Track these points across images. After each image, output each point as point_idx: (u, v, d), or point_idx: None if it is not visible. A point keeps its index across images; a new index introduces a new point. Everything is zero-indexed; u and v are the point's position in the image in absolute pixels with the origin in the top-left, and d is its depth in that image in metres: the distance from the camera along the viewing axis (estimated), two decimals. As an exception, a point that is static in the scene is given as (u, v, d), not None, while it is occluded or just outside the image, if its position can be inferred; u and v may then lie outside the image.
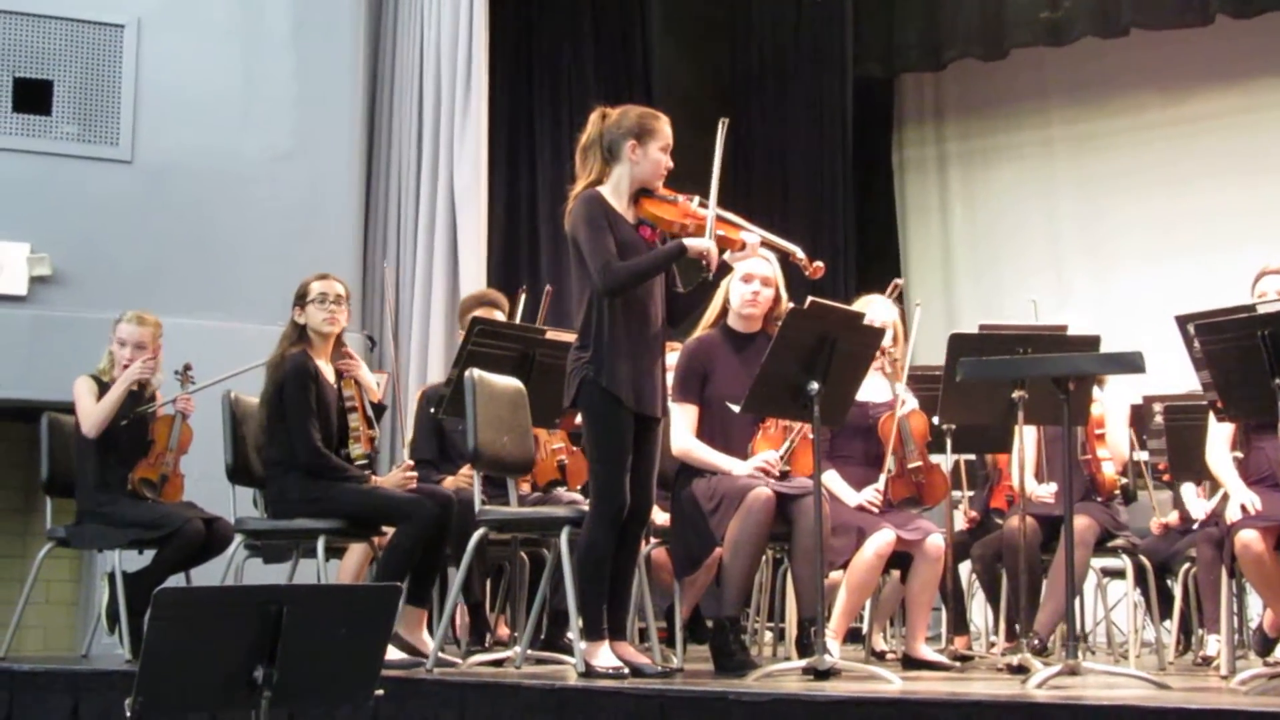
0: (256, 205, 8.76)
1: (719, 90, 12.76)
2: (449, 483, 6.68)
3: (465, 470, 6.63)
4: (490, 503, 5.84)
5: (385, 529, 6.23)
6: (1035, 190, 12.03)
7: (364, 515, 6.08)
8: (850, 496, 5.98)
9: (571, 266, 5.41)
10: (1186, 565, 7.10)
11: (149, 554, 6.57)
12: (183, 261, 8.52)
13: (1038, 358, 5.54)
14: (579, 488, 6.82)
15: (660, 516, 6.04)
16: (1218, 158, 10.98)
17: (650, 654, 5.70)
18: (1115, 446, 6.71)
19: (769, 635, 7.64)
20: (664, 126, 5.39)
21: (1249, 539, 5.40)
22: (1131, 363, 5.03)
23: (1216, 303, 5.25)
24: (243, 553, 6.33)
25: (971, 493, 7.86)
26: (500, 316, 6.92)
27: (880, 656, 6.68)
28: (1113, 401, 6.77)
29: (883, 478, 6.05)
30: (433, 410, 6.66)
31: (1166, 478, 7.50)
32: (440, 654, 5.74)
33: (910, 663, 5.94)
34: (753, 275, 5.84)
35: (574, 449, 6.91)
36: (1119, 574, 7.12)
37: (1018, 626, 6.30)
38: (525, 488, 6.63)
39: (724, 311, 5.95)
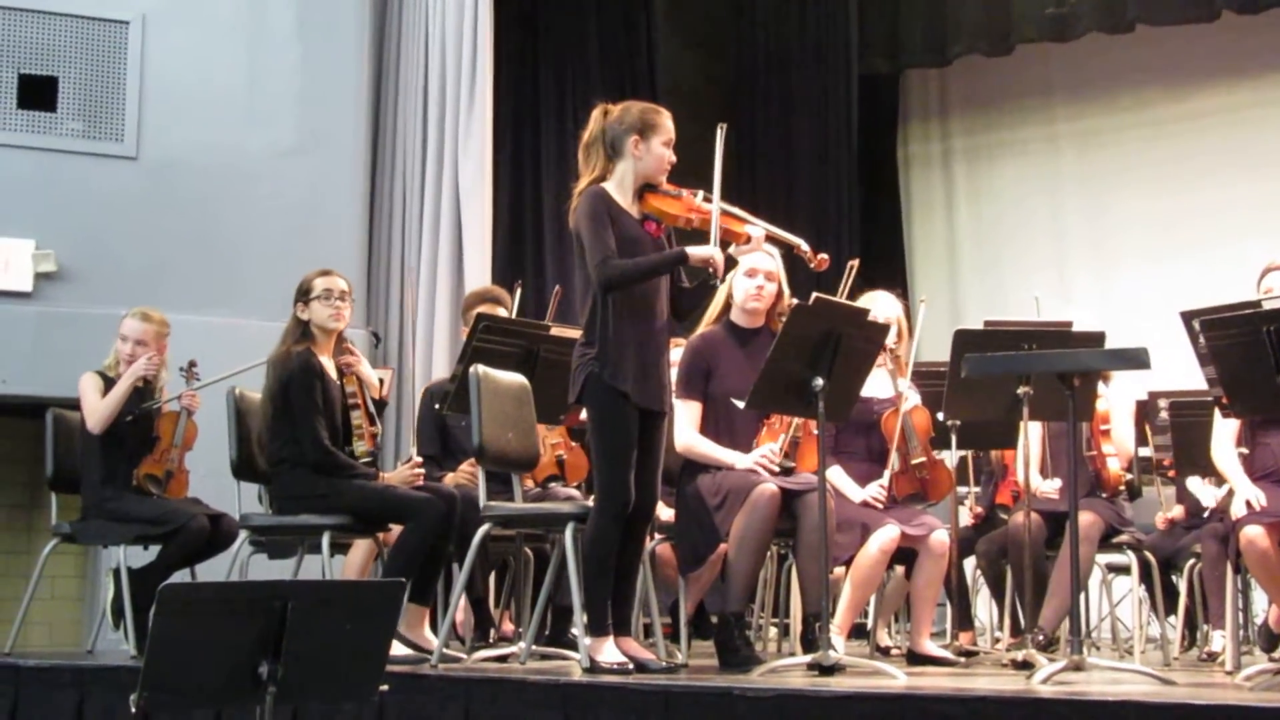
0: (261, 201, 8.76)
1: (723, 86, 12.76)
2: (449, 478, 6.68)
3: (466, 466, 6.63)
4: (493, 499, 5.84)
5: (391, 525, 6.23)
6: (1040, 186, 12.02)
7: (370, 512, 6.08)
8: (854, 492, 5.98)
9: (576, 263, 5.41)
10: (1191, 561, 7.10)
11: (154, 550, 6.58)
12: (187, 258, 8.52)
13: (1043, 354, 5.54)
14: (576, 483, 6.82)
15: (665, 512, 6.04)
16: (1223, 153, 10.97)
17: (655, 650, 5.70)
18: (1120, 442, 6.71)
19: (773, 631, 7.64)
20: (666, 121, 5.39)
21: (1254, 534, 5.39)
22: (1137, 359, 5.02)
23: (1222, 298, 5.25)
24: (247, 549, 6.33)
25: (977, 489, 7.86)
26: (504, 313, 6.92)
27: (885, 652, 6.68)
28: (1118, 398, 6.77)
29: (887, 474, 6.05)
30: (437, 406, 6.66)
31: (1172, 474, 7.50)
32: (444, 650, 5.74)
33: (915, 658, 5.94)
34: (756, 270, 5.84)
35: (573, 444, 6.91)
36: (1124, 570, 7.11)
37: (1023, 622, 6.30)
38: (525, 483, 6.63)
39: (727, 306, 5.95)
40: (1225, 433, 5.85)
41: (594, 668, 5.17)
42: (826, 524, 5.30)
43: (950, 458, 6.57)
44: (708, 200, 5.33)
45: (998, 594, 7.24)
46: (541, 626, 6.22)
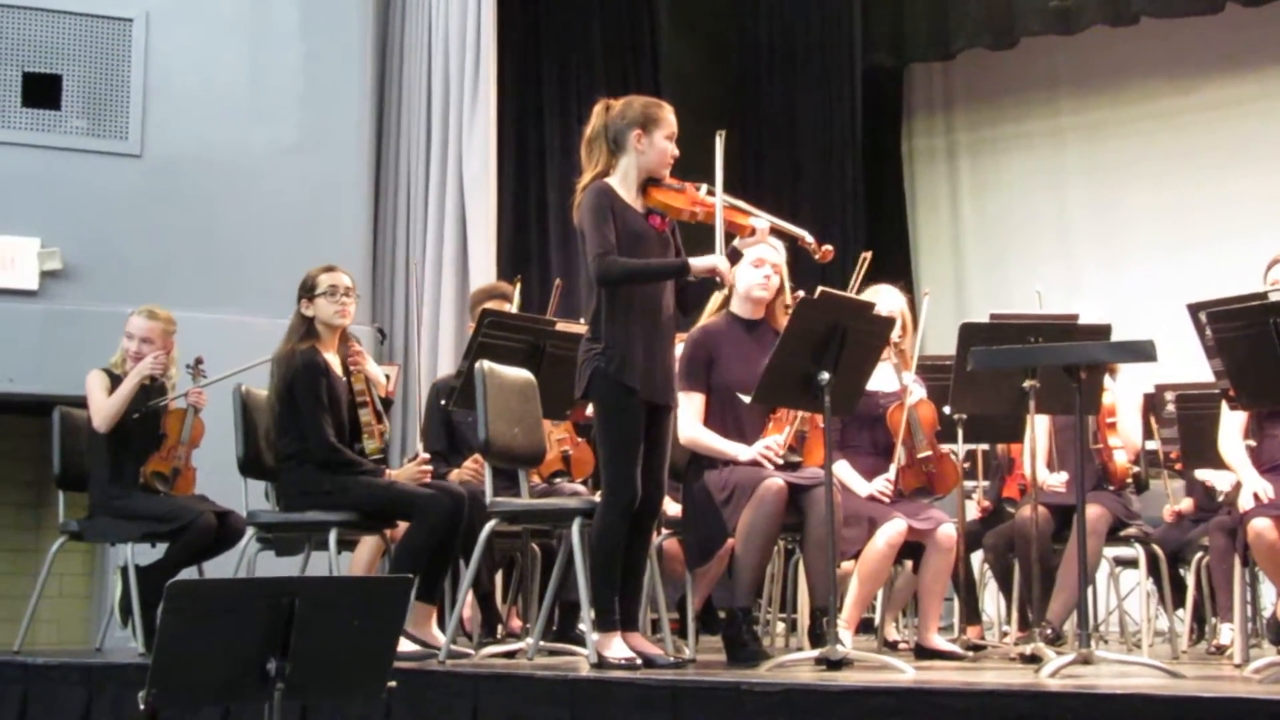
0: (266, 198, 8.77)
1: (727, 81, 12.76)
2: (454, 475, 6.68)
3: (470, 462, 6.63)
4: (500, 494, 5.84)
5: (398, 522, 6.23)
6: (1045, 180, 12.01)
7: (377, 509, 6.08)
8: (861, 487, 5.98)
9: (581, 259, 5.40)
10: (1199, 554, 7.09)
11: (161, 547, 6.58)
12: (193, 255, 8.53)
13: (1050, 346, 5.53)
14: (582, 479, 6.82)
15: (672, 507, 6.04)
16: (1229, 146, 10.96)
17: (662, 645, 5.70)
18: (1127, 435, 6.70)
19: (781, 626, 7.63)
20: (668, 115, 5.39)
21: (1262, 527, 5.38)
22: (1143, 351, 5.02)
23: (1228, 291, 5.23)
24: (255, 545, 6.33)
25: (984, 482, 7.85)
26: (510, 309, 6.92)
27: (892, 646, 6.67)
28: (1124, 391, 6.76)
29: (893, 468, 6.05)
30: (443, 402, 6.66)
31: (1179, 466, 7.49)
32: (452, 646, 5.74)
33: (923, 652, 5.94)
34: (763, 260, 5.84)
35: (578, 440, 6.91)
36: (1132, 563, 7.11)
37: (1030, 616, 6.29)
38: (534, 479, 6.63)
39: (728, 298, 5.94)
40: (1233, 425, 5.83)
41: (601, 663, 5.16)
42: (833, 518, 5.29)
43: (957, 451, 6.57)
44: (711, 194, 5.33)
45: (1005, 588, 7.23)
46: (549, 622, 6.22)
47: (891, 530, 5.73)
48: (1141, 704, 3.96)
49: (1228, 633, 6.53)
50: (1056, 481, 6.64)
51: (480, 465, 5.96)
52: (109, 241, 8.39)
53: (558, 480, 6.77)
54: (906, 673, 4.99)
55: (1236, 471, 5.83)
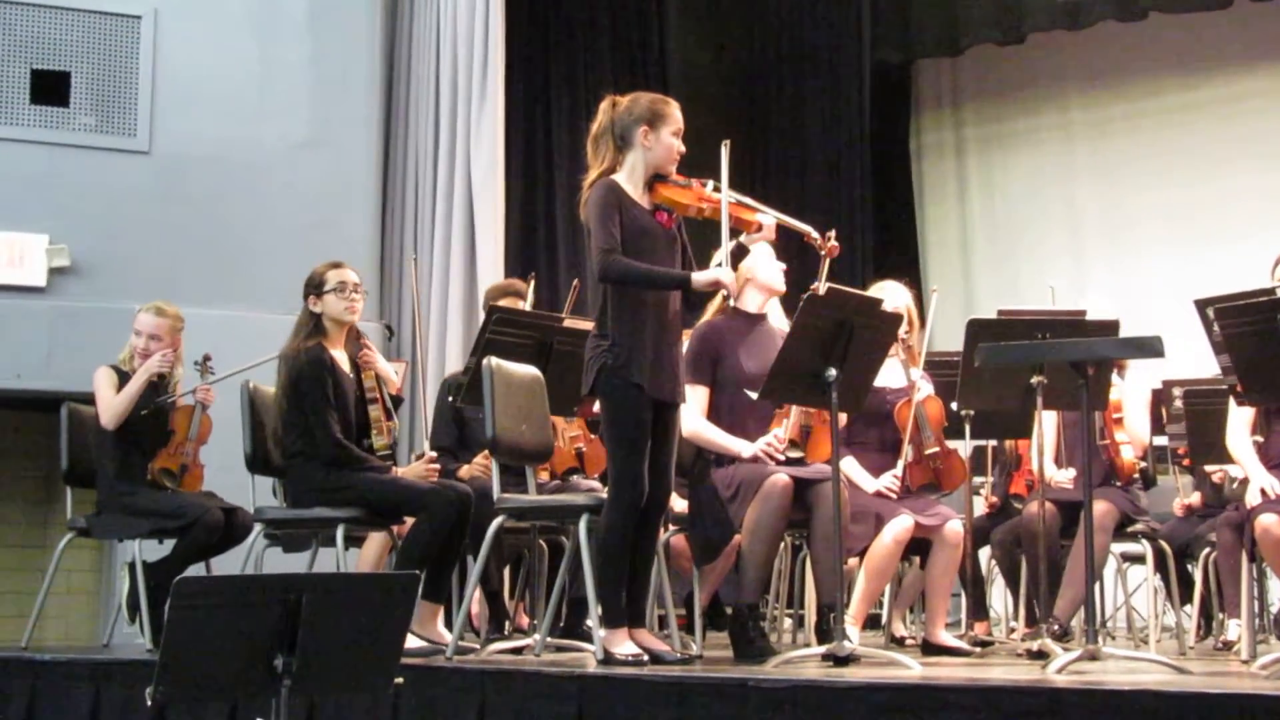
0: (274, 194, 8.77)
1: (735, 77, 12.75)
2: (464, 471, 6.68)
3: (480, 458, 6.63)
4: (509, 491, 5.85)
5: (405, 518, 6.23)
6: (1053, 175, 11.99)
7: (384, 505, 6.09)
8: (868, 483, 5.98)
9: (588, 255, 5.40)
10: (1207, 550, 7.08)
11: (169, 544, 6.59)
12: (201, 252, 8.54)
13: (1057, 342, 5.52)
14: (597, 476, 6.82)
15: (679, 504, 6.04)
16: (1237, 142, 10.94)
17: (669, 641, 5.70)
18: (1135, 431, 6.69)
19: (788, 622, 7.64)
20: (675, 111, 5.39)
21: (1269, 523, 5.38)
22: (1151, 347, 5.01)
23: (1237, 287, 5.23)
24: (262, 542, 6.34)
25: (991, 478, 7.85)
26: (525, 306, 6.93)
27: (900, 642, 6.68)
28: (1132, 387, 6.75)
29: (900, 464, 6.04)
30: (451, 399, 6.66)
31: (1187, 462, 7.48)
32: (459, 642, 5.74)
33: (930, 648, 5.94)
34: (769, 254, 5.85)
35: (592, 437, 6.91)
36: (1139, 559, 7.11)
37: (1037, 612, 6.29)
38: (544, 476, 6.63)
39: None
40: (1240, 421, 5.83)
41: (608, 660, 5.17)
42: (841, 515, 5.29)
43: (964, 447, 6.57)
44: (718, 190, 5.33)
45: (1012, 584, 7.23)
46: (556, 618, 6.22)
47: (899, 526, 5.72)
48: (1148, 700, 3.96)
49: (1235, 628, 6.52)
50: (1064, 478, 6.64)
51: (491, 461, 5.96)
52: (117, 238, 8.40)
53: (573, 477, 6.78)
54: (913, 669, 4.99)
55: (1244, 467, 5.83)
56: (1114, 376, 6.42)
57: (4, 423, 8.48)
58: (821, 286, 5.59)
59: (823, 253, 5.49)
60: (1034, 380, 5.56)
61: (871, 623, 7.12)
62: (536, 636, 5.76)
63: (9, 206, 8.24)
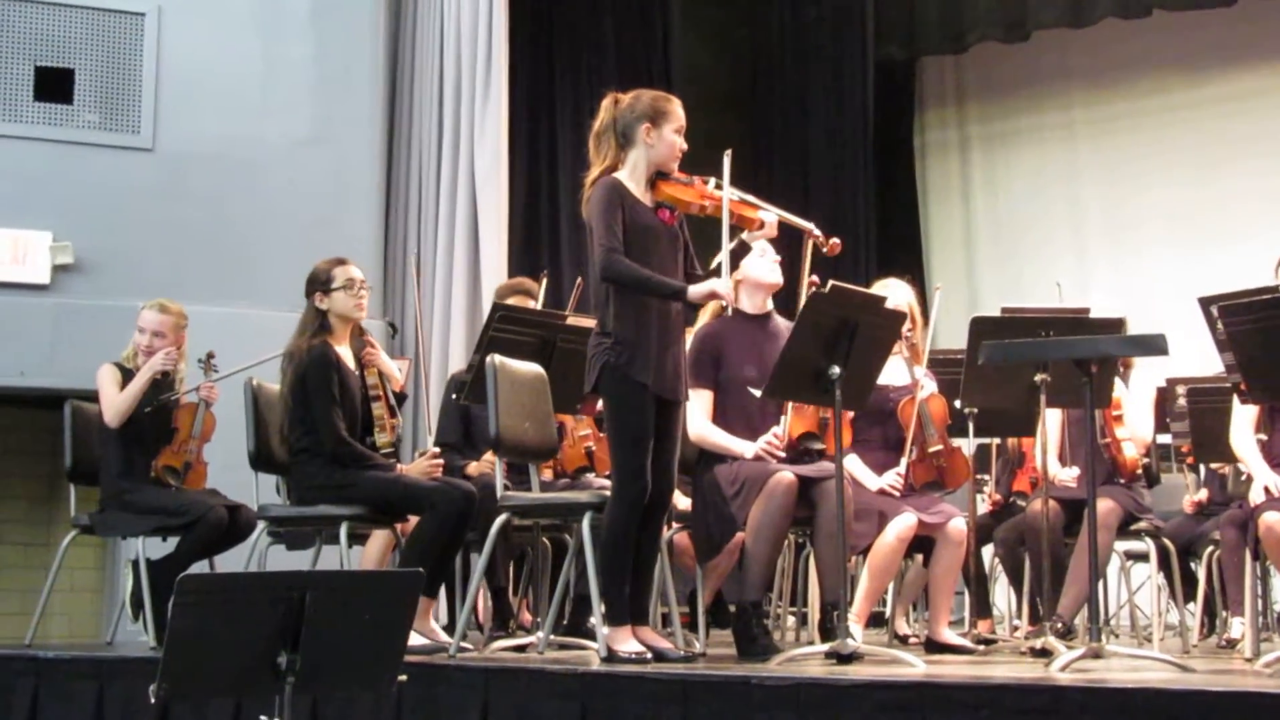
0: (277, 191, 8.78)
1: (739, 74, 12.76)
2: (473, 468, 6.69)
3: (488, 456, 6.63)
4: (513, 489, 5.85)
5: (408, 516, 6.23)
6: (1057, 173, 11.99)
7: (388, 503, 6.08)
8: (871, 481, 5.98)
9: (589, 252, 5.40)
10: (1210, 548, 7.07)
11: (173, 541, 6.59)
12: (204, 249, 8.54)
13: (1061, 340, 5.51)
14: (607, 474, 6.82)
15: (682, 501, 6.04)
16: (1242, 140, 10.93)
17: (673, 639, 5.70)
18: (1137, 429, 6.68)
19: (791, 620, 7.64)
20: (677, 108, 5.39)
21: (1273, 521, 5.38)
22: (1154, 345, 5.00)
23: (1241, 285, 5.22)
24: (266, 539, 6.34)
25: (996, 476, 7.84)
26: (535, 306, 6.93)
27: (903, 640, 6.68)
28: (1137, 385, 6.74)
29: (904, 462, 6.04)
30: (454, 396, 6.66)
31: (1190, 460, 7.48)
32: (461, 643, 5.74)
33: (933, 646, 5.93)
34: (766, 250, 5.84)
35: (601, 435, 6.90)
36: (1142, 557, 7.11)
37: (1041, 610, 6.29)
38: (550, 474, 6.63)
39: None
40: (1244, 419, 5.83)
41: (612, 657, 5.17)
42: (844, 512, 5.29)
43: (967, 445, 6.56)
44: (719, 187, 5.33)
45: (1016, 582, 7.23)
46: (559, 616, 6.22)
47: (902, 524, 5.72)
48: (1152, 698, 3.96)
49: (1239, 627, 6.51)
50: (1068, 477, 6.64)
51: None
52: (121, 235, 8.41)
53: (585, 476, 6.78)
54: (917, 667, 4.99)
55: (1248, 465, 5.82)
56: (1119, 378, 6.41)
57: (8, 420, 8.49)
58: (804, 277, 5.62)
59: (824, 250, 5.49)
60: (1038, 378, 5.55)
61: (875, 621, 7.12)
62: (540, 634, 5.76)
63: (13, 204, 8.25)
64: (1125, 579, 7.71)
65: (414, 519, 6.09)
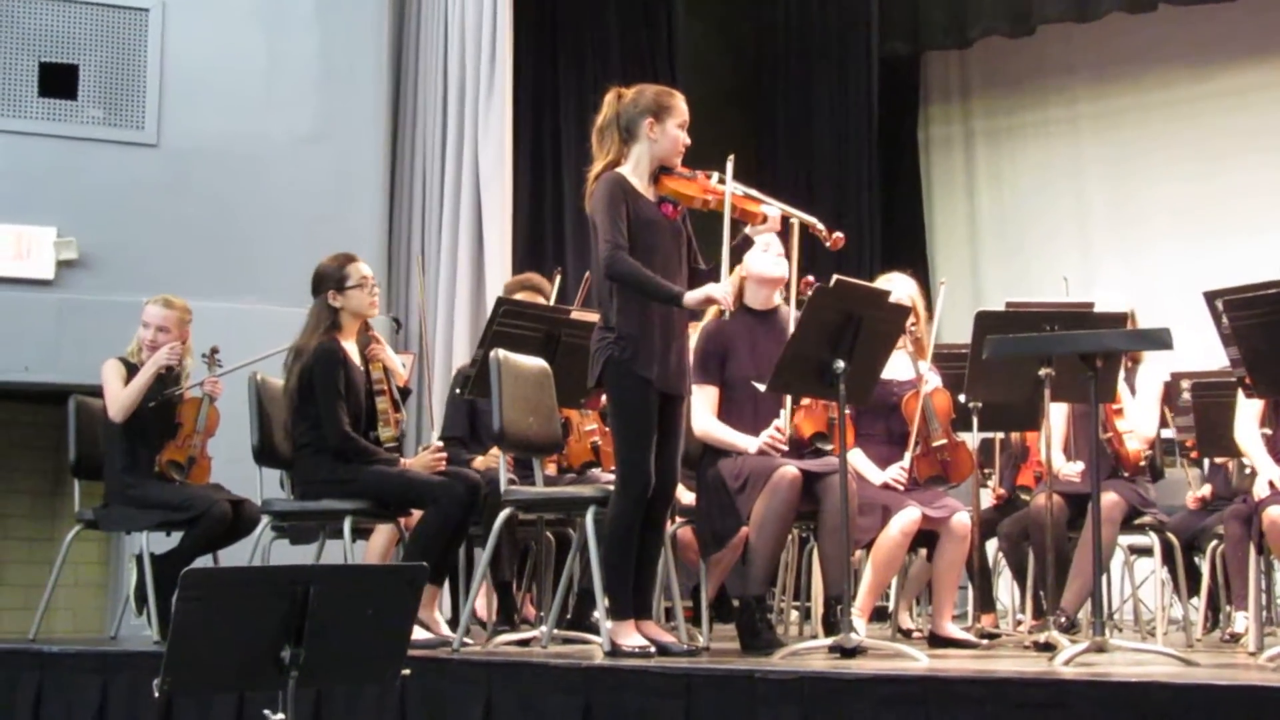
0: (282, 187, 8.78)
1: (744, 69, 12.75)
2: (479, 463, 6.69)
3: (495, 450, 6.63)
4: (518, 483, 5.84)
5: (413, 510, 6.23)
6: (1062, 168, 11.98)
7: (391, 497, 6.08)
8: (875, 475, 5.98)
9: (593, 248, 5.40)
10: (1214, 542, 7.07)
11: (177, 536, 6.60)
12: (209, 244, 8.54)
13: (1066, 334, 5.51)
14: (613, 469, 6.83)
15: (686, 496, 6.04)
16: (1247, 134, 10.92)
17: (676, 633, 5.70)
18: (1140, 423, 6.67)
19: (795, 614, 7.64)
20: (680, 103, 5.38)
21: (1277, 515, 5.38)
22: (1159, 339, 5.00)
23: (1246, 279, 5.22)
24: (269, 534, 6.35)
25: (1000, 470, 7.84)
26: (545, 301, 6.92)
27: (907, 634, 6.68)
28: (1143, 379, 6.73)
29: (908, 456, 6.04)
30: (459, 391, 6.67)
31: (1194, 454, 7.47)
32: (464, 639, 5.74)
33: (937, 641, 5.94)
34: (769, 245, 5.83)
35: (607, 430, 6.91)
36: (1146, 551, 7.10)
37: (1044, 604, 6.29)
38: (555, 469, 6.63)
39: (739, 292, 5.93)
40: (1249, 414, 5.83)
41: (615, 651, 5.17)
42: (848, 507, 5.29)
43: (971, 440, 6.56)
44: (722, 182, 5.33)
45: (1019, 576, 7.23)
46: (563, 610, 6.22)
47: (906, 518, 5.73)
48: (1155, 692, 3.95)
49: (1242, 621, 6.51)
50: (1072, 471, 6.63)
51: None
52: (125, 231, 8.41)
53: (591, 471, 6.78)
54: (920, 661, 4.99)
55: (1252, 460, 5.82)
56: (1124, 373, 6.41)
57: (12, 415, 8.50)
58: (793, 263, 5.63)
59: (827, 244, 5.49)
60: (1042, 373, 5.54)
61: (878, 615, 7.12)
62: (543, 628, 5.76)
63: (17, 199, 8.25)
64: (1129, 573, 7.71)
65: (417, 513, 6.10)
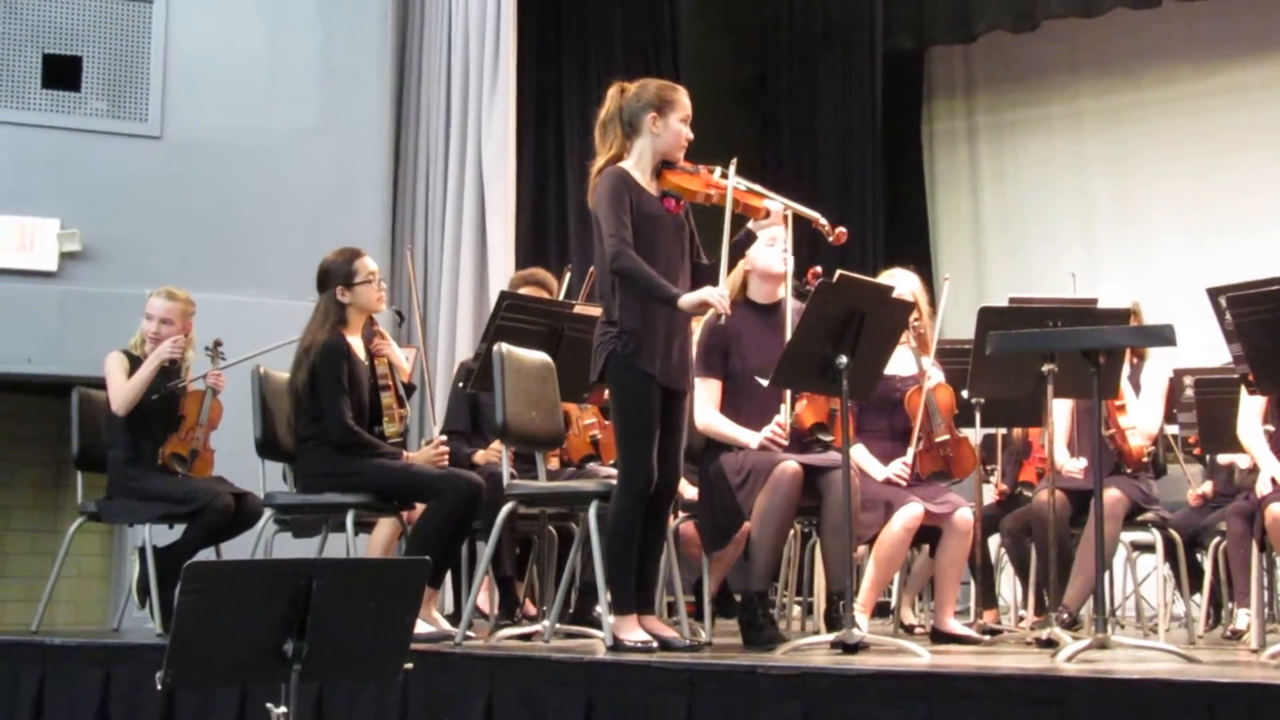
0: (285, 180, 8.77)
1: (748, 65, 12.74)
2: (480, 456, 6.69)
3: (496, 445, 6.63)
4: (520, 477, 5.85)
5: (415, 504, 6.24)
6: (1065, 163, 11.98)
7: (394, 490, 6.09)
8: (878, 470, 5.98)
9: (596, 243, 5.39)
10: (1216, 539, 7.07)
11: (179, 528, 6.60)
12: (212, 237, 8.53)
13: (1069, 330, 5.51)
14: (613, 463, 6.83)
15: (688, 491, 6.04)
16: (1250, 130, 10.92)
17: (678, 628, 5.70)
18: (1143, 419, 6.66)
19: (797, 609, 7.64)
20: (683, 98, 5.38)
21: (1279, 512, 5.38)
22: (1162, 336, 5.00)
23: (1249, 276, 5.22)
24: (272, 527, 6.35)
25: (1002, 466, 7.84)
26: (552, 297, 6.92)
27: (909, 630, 6.68)
28: (1147, 375, 6.73)
29: (911, 451, 6.04)
30: (462, 385, 6.67)
31: (1197, 451, 7.47)
32: (467, 632, 5.74)
33: (939, 636, 5.94)
34: (775, 239, 5.83)
35: (607, 424, 6.91)
36: (1149, 548, 7.10)
37: (1047, 600, 6.29)
38: (557, 464, 6.63)
39: (743, 285, 5.93)
40: (1251, 410, 5.83)
41: (617, 646, 5.17)
42: (850, 502, 5.29)
43: (974, 435, 6.56)
44: (725, 176, 5.33)
45: (1022, 572, 7.22)
46: (565, 605, 6.22)
47: (908, 514, 5.72)
48: (1157, 689, 3.96)
49: (1244, 618, 6.51)
50: (1075, 467, 6.63)
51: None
52: (128, 223, 8.40)
53: (590, 465, 6.78)
54: (922, 657, 4.99)
55: (1255, 456, 5.82)
56: (1127, 367, 6.40)
57: (15, 407, 8.49)
58: (789, 257, 5.66)
59: (830, 239, 5.49)
60: (1045, 368, 5.54)
61: (881, 610, 7.12)
62: (545, 623, 5.77)
63: (20, 191, 8.25)
64: (1131, 569, 7.71)
65: (420, 507, 6.10)
